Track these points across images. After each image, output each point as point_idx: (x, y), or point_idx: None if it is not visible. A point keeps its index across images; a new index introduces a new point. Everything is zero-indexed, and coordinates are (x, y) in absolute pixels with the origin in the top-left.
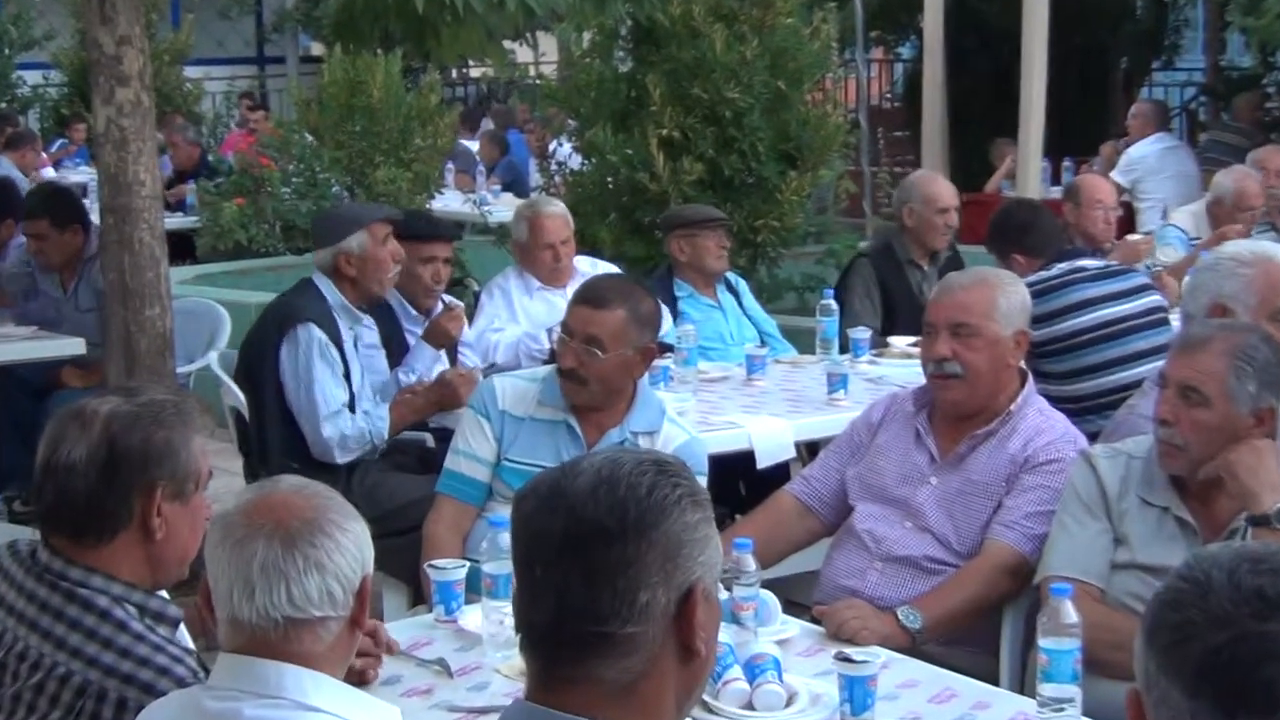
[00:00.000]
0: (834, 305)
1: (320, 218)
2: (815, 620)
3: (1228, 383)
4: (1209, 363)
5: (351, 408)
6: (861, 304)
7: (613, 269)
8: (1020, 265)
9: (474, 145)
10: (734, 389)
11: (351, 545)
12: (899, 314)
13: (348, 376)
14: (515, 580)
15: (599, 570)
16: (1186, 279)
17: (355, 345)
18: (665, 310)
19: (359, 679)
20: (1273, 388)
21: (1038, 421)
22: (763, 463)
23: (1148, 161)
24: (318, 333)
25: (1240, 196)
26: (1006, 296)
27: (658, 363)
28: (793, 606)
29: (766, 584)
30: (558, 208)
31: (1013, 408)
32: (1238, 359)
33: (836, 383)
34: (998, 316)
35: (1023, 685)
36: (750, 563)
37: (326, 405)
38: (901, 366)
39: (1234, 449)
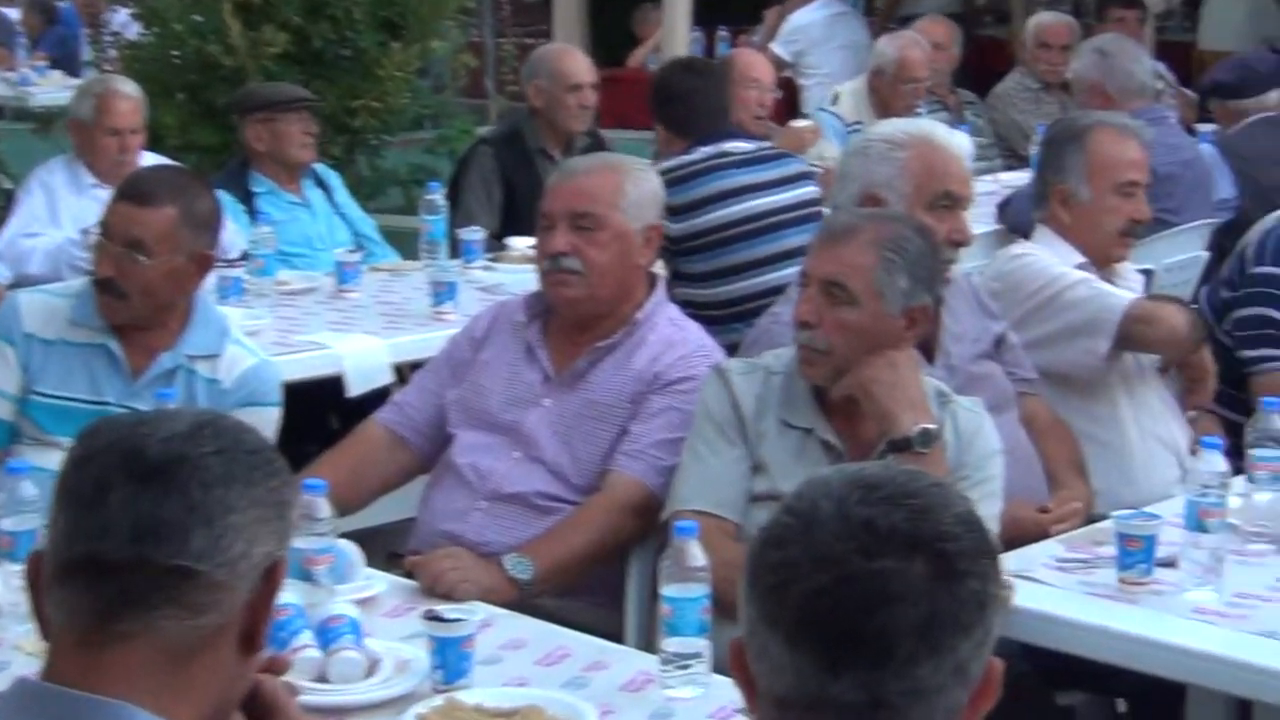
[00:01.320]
0: (440, 201)
1: None
2: (409, 574)
3: (876, 277)
4: (855, 255)
5: None
6: (477, 200)
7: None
8: (663, 142)
9: (13, 13)
10: (321, 303)
11: None
12: (525, 212)
13: None
14: (69, 512)
15: (198, 505)
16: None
17: None
18: (237, 211)
19: None
20: (927, 284)
21: (668, 333)
22: (354, 390)
23: (812, 30)
24: None
25: (903, 66)
26: (635, 183)
27: (229, 272)
28: (395, 560)
29: (358, 534)
30: (133, 89)
31: (639, 316)
32: (887, 250)
33: (443, 293)
34: (624, 206)
35: (650, 640)
36: (322, 507)
37: None
38: (521, 273)
39: (868, 363)
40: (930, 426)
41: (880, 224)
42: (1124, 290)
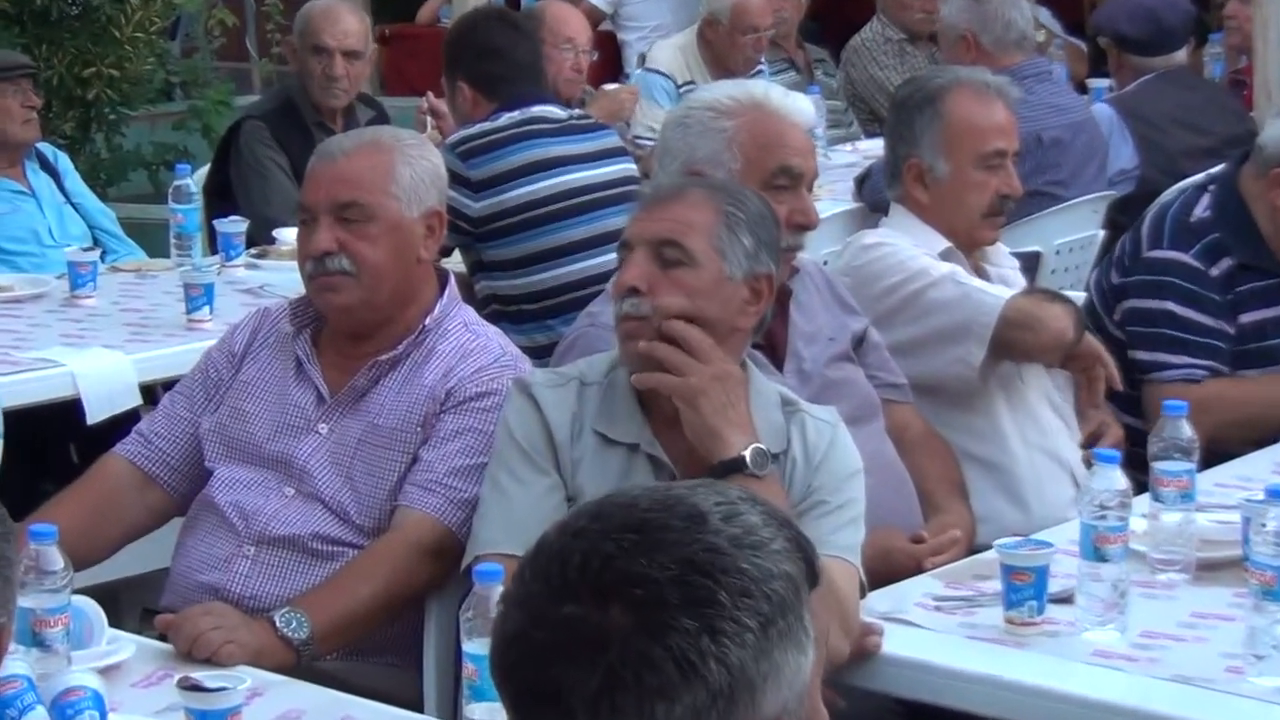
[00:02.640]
0: (193, 187)
1: None
2: (163, 635)
3: (717, 233)
4: (690, 211)
5: None
6: (242, 184)
7: None
8: (464, 101)
9: None
10: (52, 311)
11: None
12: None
13: None
14: None
15: None
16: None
17: None
18: None
19: None
20: (771, 250)
21: (463, 340)
22: (94, 415)
23: None
24: None
25: (740, 13)
26: (408, 162)
27: None
28: (147, 619)
29: (100, 589)
30: None
31: (428, 322)
32: (727, 204)
33: (198, 297)
34: (397, 191)
35: (455, 704)
36: (55, 558)
37: None
38: (293, 271)
39: (699, 372)
40: (763, 446)
41: (710, 185)
42: (997, 286)
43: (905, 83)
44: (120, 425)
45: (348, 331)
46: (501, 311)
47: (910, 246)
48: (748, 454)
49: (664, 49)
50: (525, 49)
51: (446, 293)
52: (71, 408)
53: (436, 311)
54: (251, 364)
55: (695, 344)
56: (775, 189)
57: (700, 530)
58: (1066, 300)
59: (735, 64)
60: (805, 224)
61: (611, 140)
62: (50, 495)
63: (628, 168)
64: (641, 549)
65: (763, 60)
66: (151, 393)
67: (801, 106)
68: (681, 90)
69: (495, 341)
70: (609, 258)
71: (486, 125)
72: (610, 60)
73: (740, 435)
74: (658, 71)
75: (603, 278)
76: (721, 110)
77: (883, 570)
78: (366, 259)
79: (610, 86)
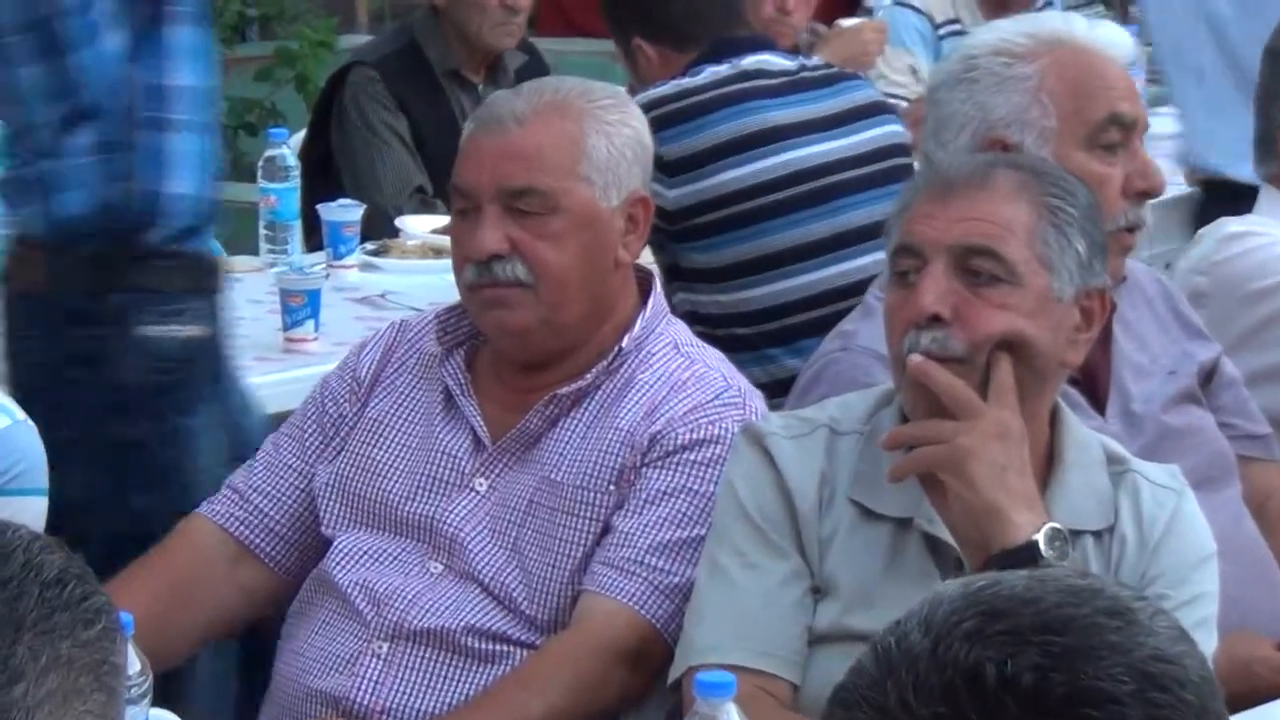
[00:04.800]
0: (289, 158)
1: None
2: None
3: (1042, 236)
4: (1003, 206)
5: None
6: (348, 155)
7: None
8: (648, 63)
9: None
10: None
11: None
12: (433, 175)
13: None
14: None
15: None
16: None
17: None
18: None
19: None
20: (1102, 255)
21: (672, 367)
22: None
23: None
24: None
25: None
26: (605, 130)
27: None
28: None
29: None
30: None
31: (625, 342)
32: (1050, 195)
33: (299, 308)
34: (589, 172)
35: None
36: (129, 658)
37: None
38: (424, 274)
39: (969, 429)
40: (1059, 526)
41: (1018, 167)
42: None
43: None
44: None
45: (520, 357)
46: (707, 335)
47: None
48: (1041, 538)
49: None
50: None
51: (650, 303)
52: None
53: (637, 328)
54: (384, 397)
55: (951, 391)
56: (1103, 147)
57: (1137, 630)
58: None
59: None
60: (1149, 189)
61: (862, 95)
62: (103, 574)
63: (889, 133)
64: (1081, 657)
65: None
66: None
67: (1116, 37)
68: (940, 33)
69: (717, 370)
70: (860, 263)
71: (685, 82)
72: None
73: (1027, 511)
74: (909, 6)
75: (851, 290)
76: (1017, 53)
77: (1243, 689)
78: (549, 265)
79: (847, 22)
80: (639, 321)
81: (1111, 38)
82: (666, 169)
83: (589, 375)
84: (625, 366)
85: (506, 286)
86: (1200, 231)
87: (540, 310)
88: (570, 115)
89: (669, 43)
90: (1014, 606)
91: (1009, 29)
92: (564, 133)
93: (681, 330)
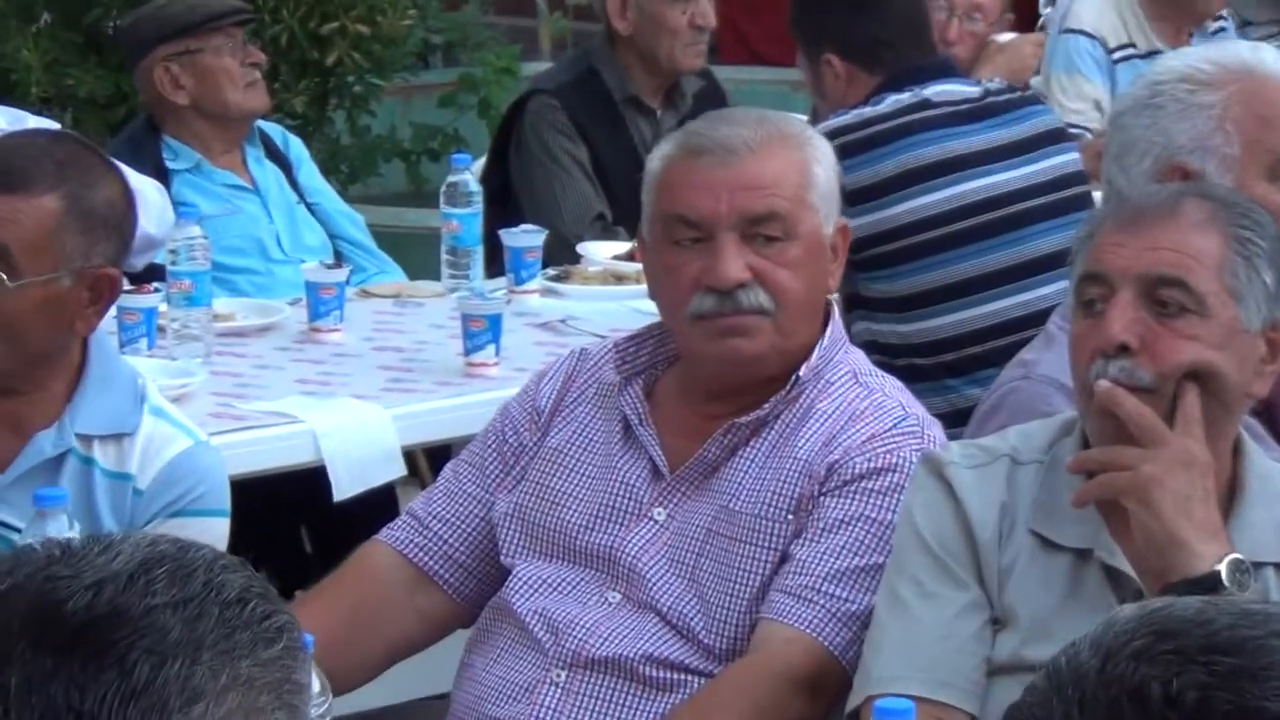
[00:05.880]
0: (471, 184)
1: None
2: None
3: (1231, 268)
4: (1192, 237)
5: None
6: (527, 182)
7: (49, 125)
8: (835, 80)
9: None
10: (284, 349)
11: None
12: (612, 202)
13: None
14: None
15: (145, 688)
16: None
17: None
18: (158, 198)
19: None
20: None
21: (850, 396)
22: (344, 491)
23: None
24: None
25: None
26: (821, 160)
27: (136, 301)
28: None
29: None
30: None
31: (804, 371)
32: (1239, 226)
33: (481, 333)
34: (817, 201)
35: None
36: (311, 678)
37: None
38: (606, 300)
39: (1155, 457)
40: (1242, 557)
41: (1209, 197)
42: None
43: None
44: (374, 505)
45: (720, 388)
46: (886, 365)
47: None
48: (1223, 569)
49: (1089, 4)
50: (907, 1)
51: (829, 331)
52: (308, 478)
53: (815, 357)
54: (564, 426)
55: (1139, 418)
56: None
57: None
58: None
59: (1189, 11)
60: None
61: (1044, 123)
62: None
63: (1068, 160)
64: (1248, 676)
65: (1225, 14)
66: (417, 464)
67: None
68: (1115, 58)
69: (895, 399)
70: (1042, 292)
71: (867, 111)
72: None
73: (1210, 542)
74: (1081, 32)
75: (1031, 320)
76: (1202, 81)
77: None
78: (790, 292)
79: (1005, 36)
80: (817, 351)
81: None
82: (849, 198)
83: (767, 405)
84: (804, 396)
85: (750, 314)
86: None
87: (776, 338)
88: (794, 144)
89: (860, 62)
90: (1185, 627)
91: (1196, 57)
92: (794, 161)
93: (860, 359)
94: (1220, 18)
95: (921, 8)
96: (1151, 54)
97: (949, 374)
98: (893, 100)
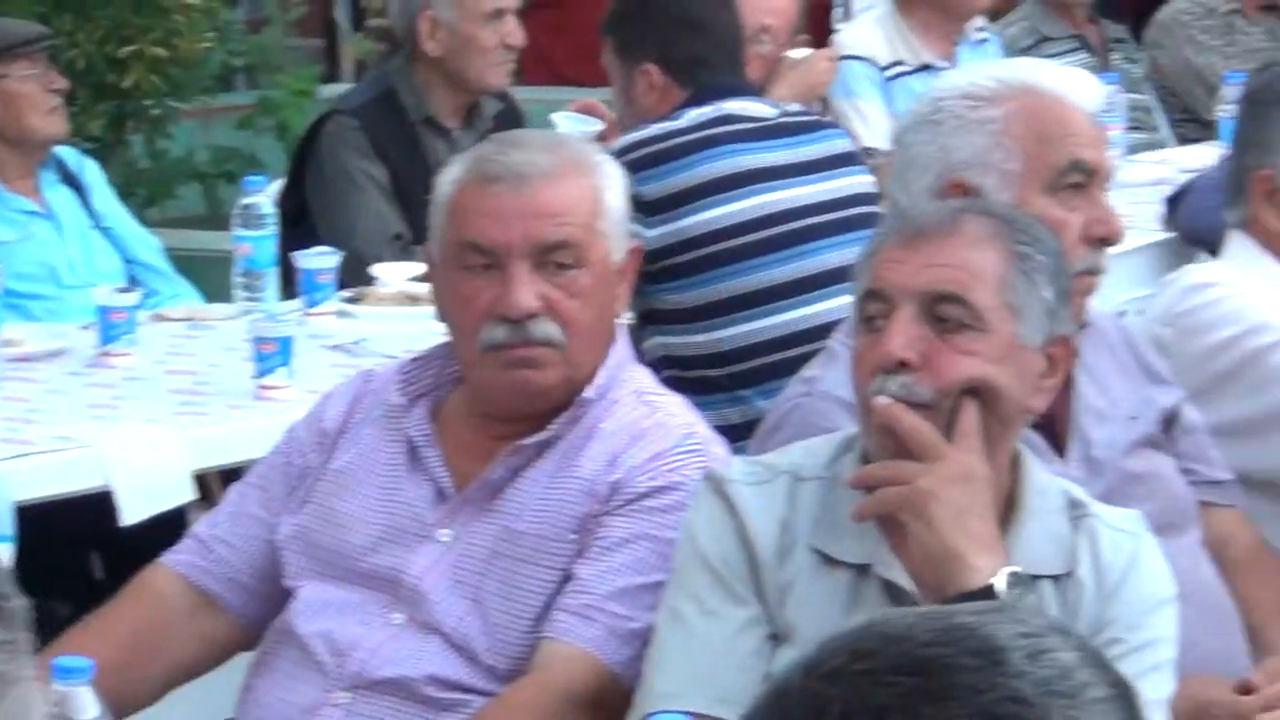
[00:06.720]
0: (265, 206)
1: None
2: None
3: (1010, 283)
4: (971, 253)
5: None
6: (323, 203)
7: None
8: (648, 91)
9: None
10: (76, 374)
11: None
12: (409, 219)
13: None
14: None
15: None
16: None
17: None
18: None
19: None
20: (1068, 301)
21: (634, 415)
22: (133, 515)
23: None
24: None
25: None
26: (613, 186)
27: None
28: None
29: None
30: None
31: (589, 391)
32: (1018, 243)
33: (272, 355)
34: (608, 228)
35: None
36: (87, 704)
37: None
38: (400, 321)
39: (931, 472)
40: (1019, 569)
41: (989, 214)
42: None
43: (1263, 69)
44: (166, 530)
45: (510, 414)
46: (679, 379)
47: (1256, 291)
48: (999, 581)
49: (855, 27)
50: (729, 23)
51: (614, 351)
52: (99, 503)
53: (601, 378)
54: (350, 447)
55: (917, 434)
56: (1065, 190)
57: (998, 672)
58: None
59: (952, 15)
60: (1108, 235)
61: (837, 144)
62: (65, 622)
63: (859, 181)
64: (925, 698)
65: (983, 25)
66: (207, 487)
67: (1081, 84)
68: (887, 76)
69: (679, 417)
70: (828, 305)
71: (667, 125)
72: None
73: (987, 555)
74: (852, 57)
75: (819, 332)
76: (983, 97)
77: None
78: (579, 323)
79: (797, 53)
80: (602, 371)
81: (1078, 84)
82: (647, 209)
83: (553, 426)
84: (588, 415)
85: (540, 346)
86: (1165, 279)
87: (565, 369)
88: (587, 171)
89: (678, 77)
90: (883, 645)
91: (977, 73)
92: (587, 188)
93: (644, 377)
94: (982, 28)
95: (740, 31)
96: (923, 68)
97: (741, 385)
98: (693, 115)
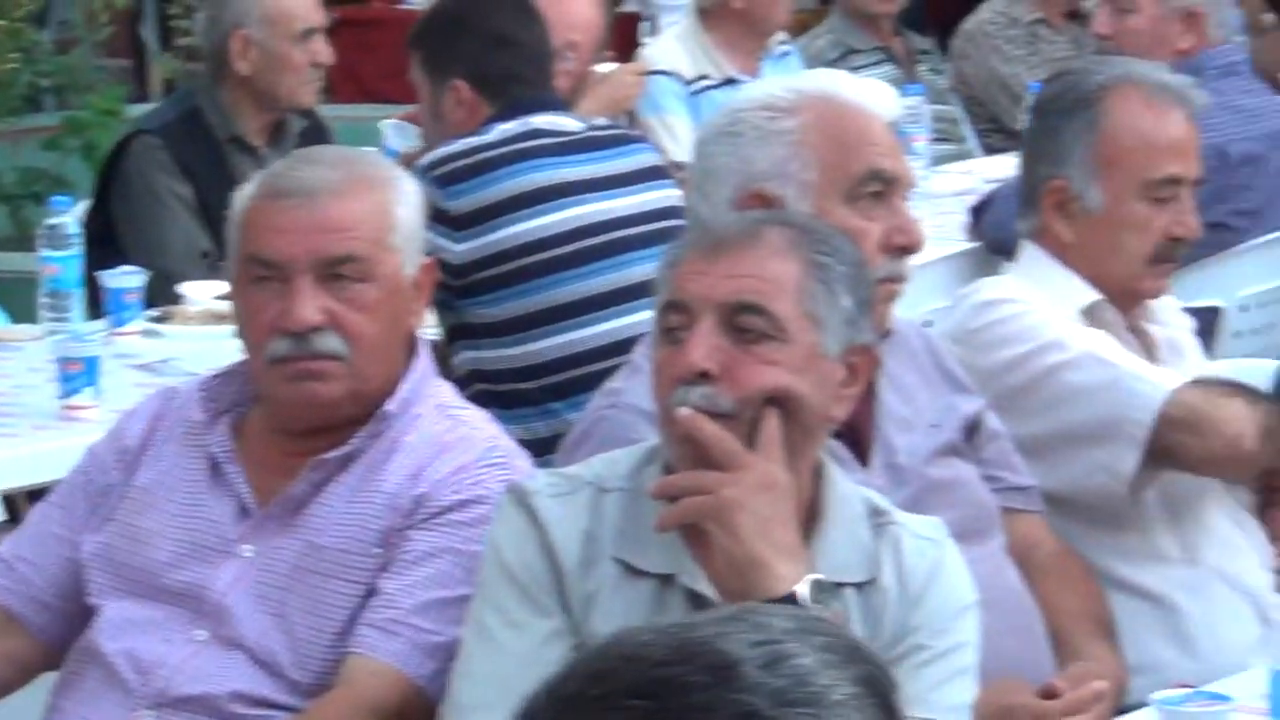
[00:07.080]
0: (71, 227)
1: None
2: None
3: (809, 292)
4: (770, 263)
5: None
6: (131, 223)
7: None
8: (456, 106)
9: None
10: None
11: None
12: (215, 237)
13: None
14: None
15: None
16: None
17: None
18: None
19: None
20: (869, 311)
21: (437, 429)
22: None
23: None
24: None
25: None
26: (405, 201)
27: None
28: None
29: None
30: None
31: (391, 405)
32: (817, 252)
33: (77, 375)
34: (397, 242)
35: None
36: None
37: None
38: (207, 339)
39: (734, 481)
40: (822, 577)
41: (788, 224)
42: (1158, 369)
43: (1054, 78)
44: None
45: (303, 427)
46: (489, 392)
47: (1043, 304)
48: (802, 589)
49: (659, 43)
50: (539, 38)
51: (416, 365)
52: None
53: (403, 392)
54: (152, 465)
55: (718, 443)
56: (864, 199)
57: (731, 687)
58: (1253, 395)
59: (754, 30)
60: (908, 244)
61: (644, 158)
62: None
63: (667, 195)
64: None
65: (785, 39)
66: (12, 507)
67: (879, 94)
68: (693, 90)
69: (483, 430)
70: (639, 318)
71: (474, 140)
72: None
73: (791, 563)
74: (659, 72)
75: (630, 344)
76: (780, 108)
77: None
78: (364, 336)
79: (604, 68)
80: (405, 384)
81: (875, 93)
82: (455, 223)
83: (354, 440)
84: (390, 429)
85: (324, 359)
86: (958, 293)
87: (351, 382)
88: (377, 186)
89: (486, 92)
90: (619, 666)
91: (775, 84)
92: (376, 203)
93: (447, 391)
94: (784, 42)
95: (549, 45)
96: (727, 82)
97: (553, 398)
98: (500, 129)
